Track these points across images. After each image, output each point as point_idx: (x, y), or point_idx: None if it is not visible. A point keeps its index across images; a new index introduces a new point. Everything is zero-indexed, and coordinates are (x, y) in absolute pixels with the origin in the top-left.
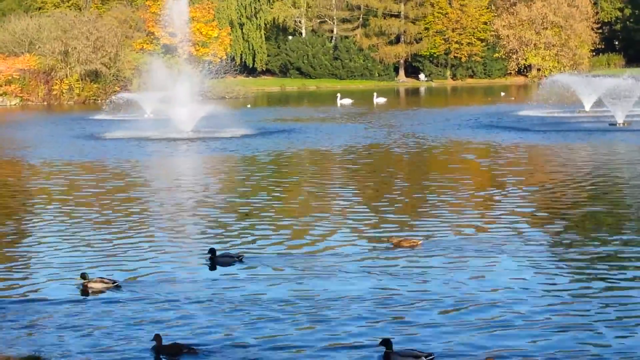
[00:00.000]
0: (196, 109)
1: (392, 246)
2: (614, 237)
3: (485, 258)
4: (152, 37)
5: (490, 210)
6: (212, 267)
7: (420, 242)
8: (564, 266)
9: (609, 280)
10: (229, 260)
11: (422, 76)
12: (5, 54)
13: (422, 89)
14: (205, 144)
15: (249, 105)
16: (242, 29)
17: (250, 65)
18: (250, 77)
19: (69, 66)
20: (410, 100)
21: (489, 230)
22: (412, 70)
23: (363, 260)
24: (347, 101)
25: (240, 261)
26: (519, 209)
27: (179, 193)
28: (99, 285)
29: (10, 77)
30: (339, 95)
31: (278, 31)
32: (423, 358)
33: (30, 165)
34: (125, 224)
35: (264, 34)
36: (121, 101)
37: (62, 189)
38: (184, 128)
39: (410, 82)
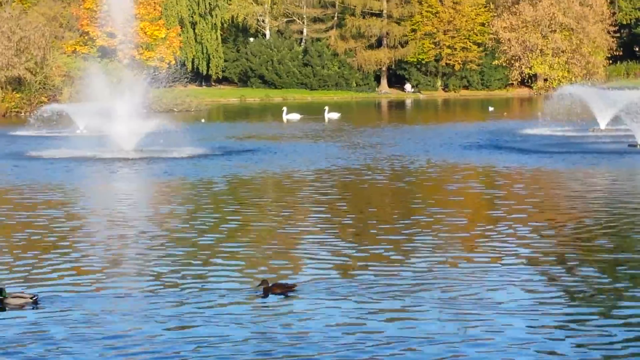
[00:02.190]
0: (139, 124)
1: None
2: (634, 280)
3: (477, 312)
4: (86, 37)
5: (485, 251)
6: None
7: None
8: (576, 319)
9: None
10: (22, 302)
11: (408, 87)
12: None
13: (408, 102)
14: (150, 166)
15: (202, 120)
16: (194, 29)
17: (204, 73)
18: (204, 87)
19: None
20: (395, 114)
21: (481, 275)
22: (397, 80)
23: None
24: (295, 116)
25: (35, 303)
26: (522, 251)
27: (114, 223)
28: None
29: None
30: (285, 109)
31: (237, 32)
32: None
33: None
34: (52, 255)
35: (221, 35)
36: (49, 114)
37: None
38: (125, 146)
39: (394, 94)
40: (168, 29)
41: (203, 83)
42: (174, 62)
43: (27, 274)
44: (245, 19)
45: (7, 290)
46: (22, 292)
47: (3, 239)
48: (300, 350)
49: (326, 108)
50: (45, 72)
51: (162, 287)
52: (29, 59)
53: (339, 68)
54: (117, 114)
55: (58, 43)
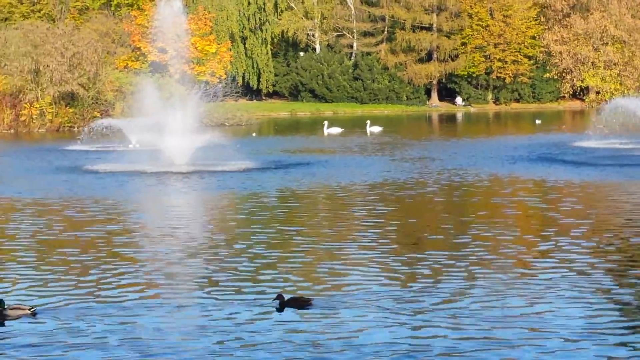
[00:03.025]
0: (191, 139)
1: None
2: None
3: (527, 325)
4: (138, 53)
5: (536, 264)
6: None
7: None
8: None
9: None
10: (20, 313)
11: (458, 100)
12: None
13: (459, 115)
14: (202, 180)
15: (253, 134)
16: (244, 44)
17: (255, 87)
18: (255, 101)
19: (40, 87)
20: (445, 128)
21: (532, 290)
22: (447, 93)
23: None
24: (336, 130)
25: (33, 315)
26: (573, 264)
27: (167, 236)
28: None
29: None
30: (325, 123)
31: (287, 46)
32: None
33: None
34: (106, 272)
35: (271, 49)
36: (102, 129)
37: (33, 231)
38: (177, 160)
39: (445, 107)
40: (219, 44)
41: (254, 97)
42: (224, 76)
43: (83, 288)
44: (295, 33)
45: (7, 302)
46: (20, 305)
47: (56, 253)
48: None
49: (368, 122)
50: (97, 87)
51: (216, 299)
52: (81, 75)
53: (389, 82)
54: (169, 129)
55: (110, 58)
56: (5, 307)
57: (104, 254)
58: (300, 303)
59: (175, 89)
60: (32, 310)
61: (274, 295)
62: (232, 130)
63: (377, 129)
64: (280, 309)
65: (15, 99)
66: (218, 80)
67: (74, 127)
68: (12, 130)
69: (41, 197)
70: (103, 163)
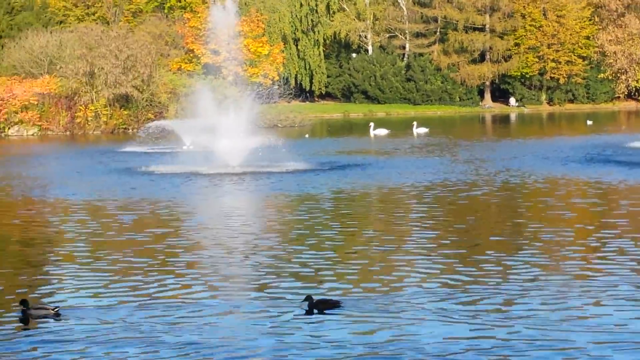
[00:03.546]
0: (244, 140)
1: None
2: None
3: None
4: (191, 55)
5: (593, 267)
6: (25, 320)
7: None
8: None
9: None
10: (43, 312)
11: (512, 101)
12: (21, 75)
13: (513, 116)
14: (256, 181)
15: (306, 135)
16: (297, 46)
17: (307, 88)
18: (307, 102)
19: (95, 90)
20: (499, 129)
21: (592, 292)
22: (500, 94)
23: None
24: (382, 131)
25: (57, 315)
26: (629, 264)
27: (221, 237)
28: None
29: (27, 103)
30: (372, 124)
31: (340, 48)
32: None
33: (51, 204)
34: (161, 274)
35: (323, 51)
36: (156, 130)
37: (88, 233)
38: (231, 162)
39: (498, 108)
40: (271, 46)
41: (306, 99)
42: (277, 78)
43: (140, 289)
44: (347, 35)
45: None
46: (45, 304)
47: (112, 255)
48: None
49: (415, 123)
50: (151, 90)
51: (269, 299)
52: (135, 77)
53: (442, 83)
54: (223, 130)
55: (164, 61)
56: (30, 307)
57: (160, 256)
58: (330, 305)
59: (228, 91)
60: (55, 310)
61: (321, 298)
62: (285, 132)
63: (423, 130)
64: (309, 311)
65: (70, 101)
66: (271, 82)
67: (129, 129)
68: (68, 132)
69: (96, 198)
70: (157, 165)
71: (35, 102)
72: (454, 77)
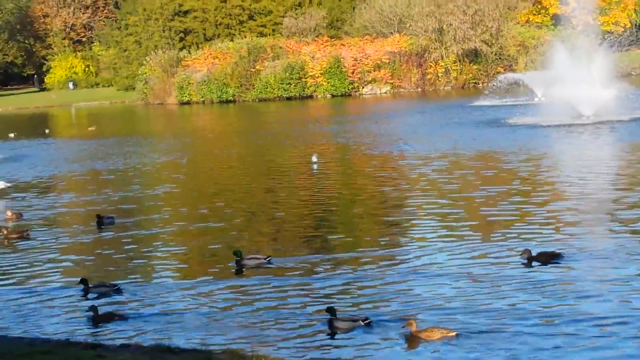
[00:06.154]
0: (598, 90)
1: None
2: None
3: None
4: (539, 6)
5: None
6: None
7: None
8: None
9: None
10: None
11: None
12: (372, 35)
13: None
14: (612, 131)
15: None
16: None
17: None
18: None
19: (444, 46)
20: None
21: None
22: None
23: None
24: None
25: (269, 263)
26: None
27: (578, 187)
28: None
29: (379, 62)
30: None
31: None
32: (360, 322)
33: (410, 155)
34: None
35: None
36: (505, 84)
37: (448, 180)
38: (585, 112)
39: None
40: None
41: None
42: (629, 25)
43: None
44: None
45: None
46: (257, 253)
47: (465, 204)
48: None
49: None
50: (500, 43)
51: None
52: (484, 31)
53: None
54: (576, 81)
55: (511, 14)
56: (243, 256)
57: (511, 206)
58: (549, 256)
59: (579, 41)
60: (268, 259)
61: None
62: (639, 80)
63: None
64: (528, 264)
65: (420, 59)
66: (622, 30)
67: (478, 84)
68: (419, 89)
69: (452, 150)
70: (510, 117)
71: (387, 61)
72: None
